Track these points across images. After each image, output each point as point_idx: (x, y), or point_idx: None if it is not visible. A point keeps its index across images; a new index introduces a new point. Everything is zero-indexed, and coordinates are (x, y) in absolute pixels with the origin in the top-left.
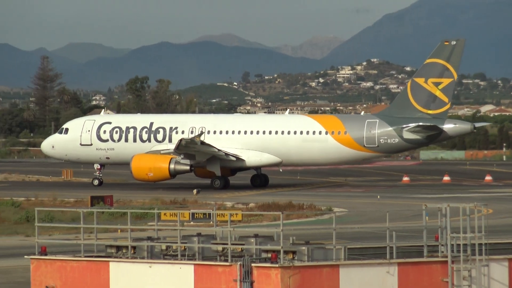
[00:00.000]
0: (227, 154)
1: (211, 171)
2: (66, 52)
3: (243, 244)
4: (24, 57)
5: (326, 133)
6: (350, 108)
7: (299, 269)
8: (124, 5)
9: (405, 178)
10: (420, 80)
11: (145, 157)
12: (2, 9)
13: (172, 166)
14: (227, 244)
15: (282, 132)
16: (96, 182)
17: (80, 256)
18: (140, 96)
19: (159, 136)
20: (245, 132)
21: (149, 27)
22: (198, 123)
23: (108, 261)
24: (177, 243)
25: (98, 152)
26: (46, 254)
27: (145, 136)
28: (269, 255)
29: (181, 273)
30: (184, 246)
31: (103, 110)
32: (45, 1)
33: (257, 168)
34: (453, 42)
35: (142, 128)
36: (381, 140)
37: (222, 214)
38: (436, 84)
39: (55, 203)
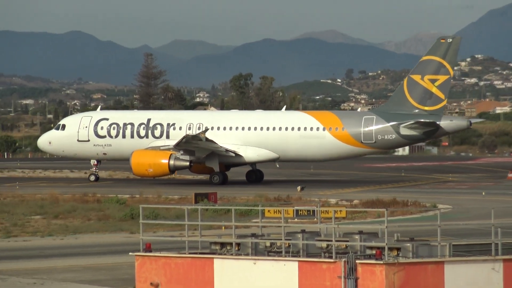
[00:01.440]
0: (227, 150)
1: (207, 166)
2: (170, 49)
3: (348, 241)
4: (128, 54)
5: (324, 129)
6: (454, 104)
7: (403, 265)
8: (228, 3)
9: (510, 175)
10: (417, 77)
11: (145, 153)
12: (107, 7)
13: (171, 162)
14: (331, 241)
15: (280, 128)
16: (92, 177)
17: (185, 253)
18: (244, 93)
19: (157, 132)
20: (243, 128)
21: (253, 24)
22: (195, 120)
23: (213, 257)
24: (281, 240)
25: (96, 148)
26: (150, 251)
27: (142, 132)
28: (374, 252)
29: (286, 269)
30: (289, 243)
31: (99, 106)
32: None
33: (254, 163)
34: (449, 40)
35: (140, 125)
36: (378, 136)
37: (326, 211)
38: (433, 81)
39: (159, 200)
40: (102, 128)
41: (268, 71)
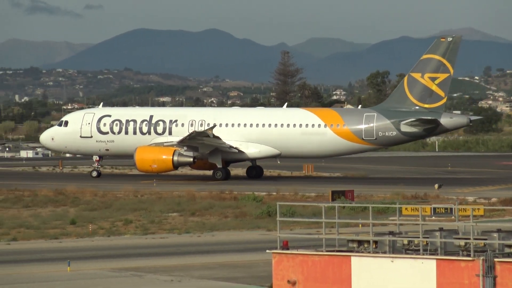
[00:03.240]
0: (231, 147)
1: (208, 162)
2: (306, 47)
3: (486, 239)
4: (265, 52)
5: (325, 126)
6: None
7: None
8: (364, 1)
9: None
10: (417, 75)
11: (149, 149)
12: (244, 5)
13: (175, 158)
14: (469, 239)
15: (282, 125)
16: (94, 173)
17: (322, 251)
18: (381, 91)
19: (159, 129)
20: (245, 125)
21: (390, 21)
22: (198, 116)
23: (350, 255)
24: (419, 238)
25: (98, 144)
26: (287, 249)
27: (145, 129)
28: None
29: (423, 268)
30: (426, 241)
31: (101, 103)
32: None
33: (254, 160)
34: (449, 39)
35: (142, 121)
36: (379, 133)
37: (464, 209)
38: (433, 79)
39: (296, 197)
40: (104, 124)
41: (405, 69)
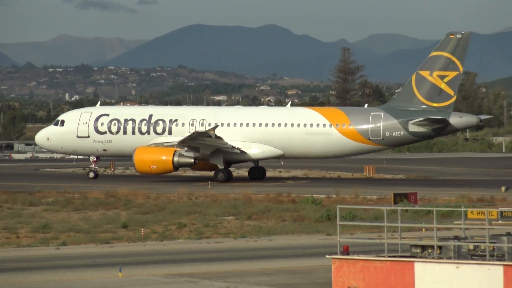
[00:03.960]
0: (233, 147)
1: (209, 163)
2: (367, 44)
3: None
4: (325, 49)
5: (330, 125)
6: None
7: None
8: None
9: None
10: (425, 73)
11: (148, 150)
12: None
13: (176, 158)
14: None
15: (285, 125)
16: (91, 174)
17: (384, 256)
18: None
19: (159, 128)
20: (247, 125)
21: (455, 16)
22: (198, 116)
23: (413, 261)
24: (485, 242)
25: (96, 144)
26: (348, 254)
27: (144, 128)
28: None
29: (490, 274)
30: (493, 246)
31: (99, 102)
32: None
33: (258, 160)
34: (459, 35)
35: (141, 120)
36: (386, 133)
37: None
38: (441, 77)
39: (357, 200)
40: (102, 124)
41: (470, 66)
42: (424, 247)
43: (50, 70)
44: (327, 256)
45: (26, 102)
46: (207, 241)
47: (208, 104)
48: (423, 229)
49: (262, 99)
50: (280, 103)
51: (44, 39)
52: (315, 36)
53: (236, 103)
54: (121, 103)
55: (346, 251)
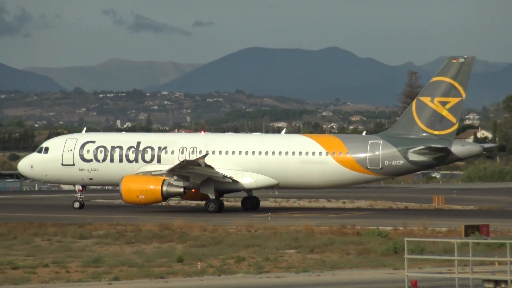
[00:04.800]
0: (224, 176)
1: (200, 193)
2: (436, 67)
3: None
4: (390, 72)
5: (327, 154)
6: None
7: None
8: (498, 16)
9: None
10: (426, 99)
11: (136, 179)
12: (367, 22)
13: (164, 188)
14: None
15: (280, 153)
16: (77, 204)
17: None
18: None
19: (147, 156)
20: (240, 153)
21: None
22: (188, 143)
23: None
24: None
25: (81, 172)
26: None
27: (132, 156)
28: None
29: None
30: None
31: (84, 128)
32: (408, 14)
33: (250, 190)
34: (461, 60)
35: (129, 148)
36: (385, 162)
37: None
38: (443, 104)
39: (425, 233)
40: (88, 151)
41: None
42: (497, 282)
43: (100, 95)
44: None
45: (76, 130)
46: (267, 275)
47: (267, 131)
48: (496, 263)
49: (324, 126)
50: (343, 130)
51: (93, 63)
52: (380, 59)
53: (297, 130)
54: (176, 131)
55: (415, 286)
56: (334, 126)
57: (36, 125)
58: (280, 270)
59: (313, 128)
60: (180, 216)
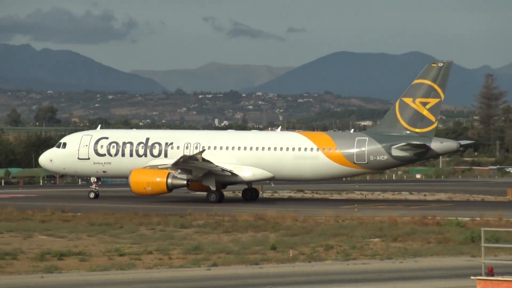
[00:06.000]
0: (223, 170)
1: (204, 185)
2: (510, 69)
3: None
4: (468, 75)
5: (318, 149)
6: None
7: None
8: None
9: None
10: (408, 100)
11: (143, 172)
12: (447, 27)
13: (169, 180)
14: None
15: (275, 149)
16: (92, 195)
17: None
18: None
19: (155, 151)
20: (239, 148)
21: None
22: (193, 139)
23: None
24: None
25: (95, 166)
26: (493, 275)
27: (141, 151)
28: None
29: None
30: None
31: (99, 125)
32: (485, 19)
33: (249, 182)
34: (440, 64)
35: (139, 143)
36: (370, 157)
37: None
38: (424, 104)
39: (500, 223)
40: (102, 146)
41: None
42: None
43: (200, 96)
44: (472, 277)
45: (177, 128)
46: (353, 262)
47: (354, 129)
48: None
49: None
50: None
51: (194, 66)
52: (458, 62)
53: None
54: (269, 129)
55: (490, 272)
56: None
57: (140, 124)
58: (365, 257)
59: None
60: (271, 207)
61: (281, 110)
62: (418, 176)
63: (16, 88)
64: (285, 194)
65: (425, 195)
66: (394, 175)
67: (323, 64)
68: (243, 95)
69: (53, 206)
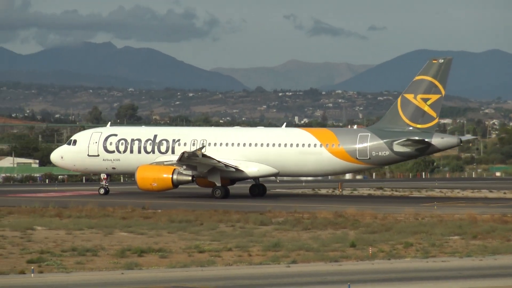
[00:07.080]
0: (227, 166)
1: (211, 181)
2: None
3: None
4: None
5: (321, 145)
6: None
7: None
8: None
9: None
10: (410, 96)
11: (150, 168)
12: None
13: (175, 176)
14: None
15: (280, 145)
16: (102, 191)
17: None
18: None
19: (163, 148)
20: (244, 144)
21: None
22: (199, 136)
23: None
24: None
25: (105, 162)
26: None
27: (149, 148)
28: None
29: None
30: None
31: (109, 123)
32: None
33: (256, 178)
34: (441, 60)
35: (147, 140)
36: (372, 153)
37: None
38: (425, 100)
39: None
40: (111, 143)
41: None
42: None
43: (280, 94)
44: None
45: (257, 126)
46: (433, 259)
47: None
48: None
49: (487, 122)
50: (504, 126)
51: (274, 64)
52: None
53: (461, 126)
54: (349, 126)
55: None
56: (496, 123)
57: (221, 121)
58: (445, 255)
59: (476, 125)
60: (354, 205)
61: (361, 108)
62: (497, 174)
63: (98, 86)
64: (365, 191)
65: (504, 193)
66: (473, 173)
67: (403, 62)
68: (323, 92)
69: (133, 203)
